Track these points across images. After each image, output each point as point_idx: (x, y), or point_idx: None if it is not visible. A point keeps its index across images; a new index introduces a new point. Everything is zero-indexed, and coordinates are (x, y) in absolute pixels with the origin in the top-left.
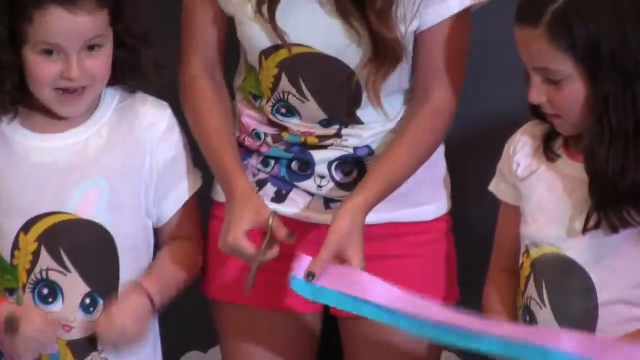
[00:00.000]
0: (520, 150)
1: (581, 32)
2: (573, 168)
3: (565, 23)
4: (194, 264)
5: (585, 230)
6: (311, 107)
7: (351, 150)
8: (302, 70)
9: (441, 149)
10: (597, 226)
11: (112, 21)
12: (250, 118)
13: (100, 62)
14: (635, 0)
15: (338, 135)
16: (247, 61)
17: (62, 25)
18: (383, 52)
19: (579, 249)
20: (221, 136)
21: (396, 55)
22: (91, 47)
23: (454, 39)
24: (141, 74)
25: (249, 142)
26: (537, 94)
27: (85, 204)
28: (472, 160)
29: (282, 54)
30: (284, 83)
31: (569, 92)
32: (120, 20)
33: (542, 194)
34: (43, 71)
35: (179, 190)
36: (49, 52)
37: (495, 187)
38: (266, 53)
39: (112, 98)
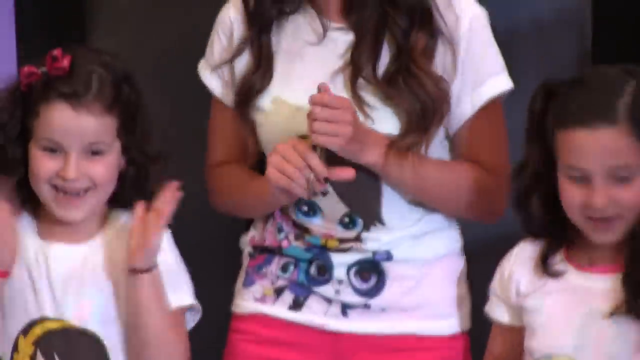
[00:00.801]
0: (519, 270)
1: None
2: (582, 278)
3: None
4: None
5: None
6: (332, 201)
7: (370, 255)
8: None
9: (464, 269)
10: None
11: (120, 132)
12: (277, 215)
13: (101, 169)
14: None
15: (358, 238)
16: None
17: (64, 122)
18: None
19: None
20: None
21: None
22: (94, 152)
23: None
24: (148, 195)
25: (270, 239)
26: (604, 196)
27: (80, 314)
28: None
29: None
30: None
31: (637, 189)
32: (130, 133)
33: (553, 306)
34: (41, 167)
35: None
36: (51, 150)
37: (492, 309)
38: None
39: (117, 218)
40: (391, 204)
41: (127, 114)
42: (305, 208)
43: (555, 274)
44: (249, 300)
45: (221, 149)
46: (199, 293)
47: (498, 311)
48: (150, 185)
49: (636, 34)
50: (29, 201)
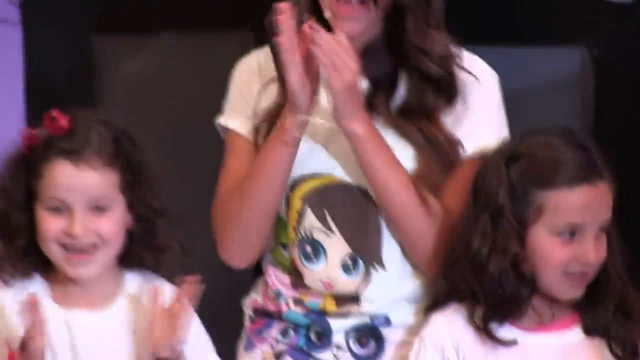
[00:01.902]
0: (462, 342)
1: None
2: (538, 339)
3: (610, 172)
4: None
5: None
6: (336, 241)
7: (368, 320)
8: (328, 202)
9: None
10: None
11: (123, 187)
12: (276, 279)
13: (107, 224)
14: None
15: (356, 299)
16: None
17: (67, 179)
18: None
19: None
20: None
21: None
22: (99, 208)
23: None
24: (157, 251)
25: (270, 305)
26: (601, 252)
27: None
28: None
29: (308, 185)
30: (309, 217)
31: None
32: (133, 189)
33: None
34: (48, 227)
35: None
36: (56, 209)
37: None
38: (293, 186)
39: (130, 283)
40: (391, 247)
41: (129, 168)
42: (309, 249)
43: (506, 343)
44: None
45: (236, 177)
46: None
47: None
48: (159, 241)
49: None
50: (40, 264)
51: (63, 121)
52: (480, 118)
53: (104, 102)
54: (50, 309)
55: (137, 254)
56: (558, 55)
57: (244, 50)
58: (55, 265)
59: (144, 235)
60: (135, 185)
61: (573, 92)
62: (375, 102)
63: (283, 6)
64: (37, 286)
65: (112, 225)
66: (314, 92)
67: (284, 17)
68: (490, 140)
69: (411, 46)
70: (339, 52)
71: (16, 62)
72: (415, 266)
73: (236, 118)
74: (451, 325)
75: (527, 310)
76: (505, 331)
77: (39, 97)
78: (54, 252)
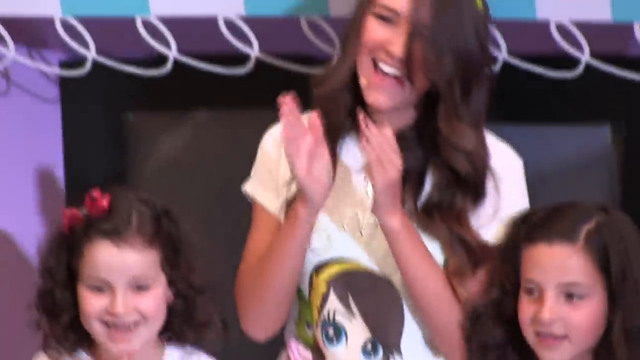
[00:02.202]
0: None
1: (615, 254)
2: None
3: (601, 242)
4: None
5: None
6: (358, 325)
7: None
8: (352, 286)
9: None
10: None
11: (164, 265)
12: (299, 354)
13: (149, 302)
14: None
15: None
16: (299, 291)
17: (109, 259)
18: None
19: None
20: None
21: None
22: (140, 287)
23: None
24: (198, 326)
25: None
26: (552, 312)
27: None
28: None
29: (333, 269)
30: (333, 300)
31: (588, 312)
32: (174, 266)
33: None
34: (91, 305)
35: None
36: (98, 288)
37: None
38: (318, 269)
39: (172, 356)
40: (411, 337)
41: (169, 247)
42: (331, 331)
43: None
44: None
45: (256, 252)
46: None
47: None
48: (199, 316)
49: None
50: (84, 340)
51: (103, 201)
52: (512, 204)
53: (140, 179)
54: None
55: (178, 328)
56: (586, 134)
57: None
58: (97, 342)
59: (184, 310)
60: (175, 263)
61: (601, 171)
62: (402, 196)
63: (286, 99)
64: None
65: (153, 302)
66: (326, 181)
67: (287, 110)
68: None
69: (441, 139)
70: (385, 148)
71: (55, 140)
72: (437, 354)
73: (263, 191)
74: None
75: None
76: None
77: (77, 174)
78: (96, 329)
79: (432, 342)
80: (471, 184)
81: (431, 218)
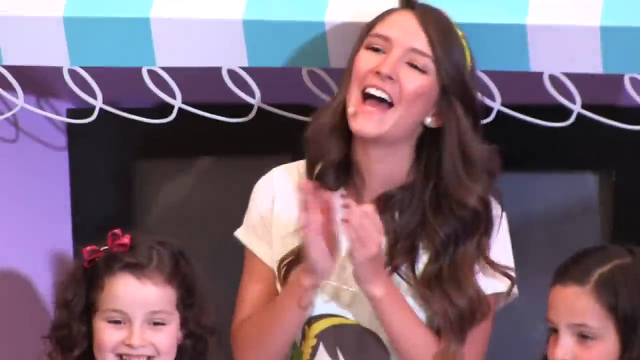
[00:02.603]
0: None
1: (625, 297)
2: None
3: (612, 285)
4: None
5: None
6: None
7: None
8: (341, 340)
9: None
10: None
11: (179, 304)
12: None
13: (164, 338)
14: None
15: None
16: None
17: (129, 292)
18: None
19: None
20: None
21: None
22: (156, 323)
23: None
24: None
25: None
26: (565, 351)
27: None
28: None
29: (323, 323)
30: (322, 353)
31: (599, 353)
32: (187, 306)
33: None
34: (107, 338)
35: None
36: (116, 321)
37: None
38: (310, 322)
39: None
40: None
41: (185, 286)
42: None
43: None
44: None
45: (251, 304)
46: None
47: None
48: (207, 358)
49: None
50: None
51: (125, 239)
52: (499, 258)
53: (146, 223)
54: None
55: None
56: (578, 181)
57: None
58: None
59: (193, 351)
60: (189, 303)
61: (590, 218)
62: (397, 264)
63: (307, 185)
64: None
65: (168, 339)
66: (334, 258)
67: (309, 196)
68: (505, 285)
69: (444, 190)
70: (365, 226)
71: (63, 186)
72: None
73: (255, 239)
74: None
75: None
76: None
77: (85, 219)
78: None
79: None
80: (476, 230)
81: (430, 289)
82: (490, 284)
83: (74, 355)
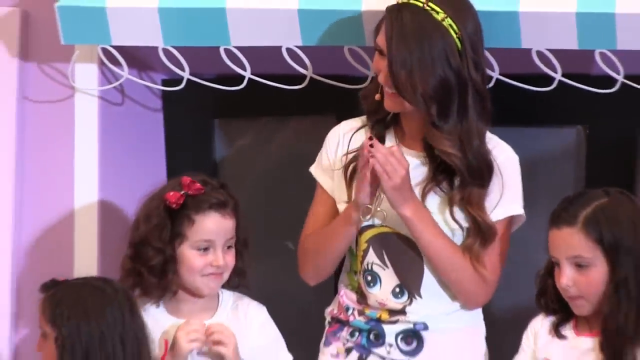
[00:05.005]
0: (540, 330)
1: (607, 231)
2: (580, 342)
3: (596, 223)
4: None
5: None
6: (389, 274)
7: (412, 325)
8: (386, 245)
9: (484, 333)
10: None
11: (237, 230)
12: (346, 298)
13: (231, 257)
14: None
15: (403, 311)
16: (349, 248)
17: (216, 225)
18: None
19: None
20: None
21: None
22: (229, 247)
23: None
24: (240, 273)
25: (342, 315)
26: (567, 279)
27: None
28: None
29: (373, 232)
30: (371, 254)
31: (594, 276)
32: (238, 229)
33: (557, 356)
34: (198, 262)
35: None
36: (205, 249)
37: (520, 357)
38: (361, 231)
39: (227, 300)
40: (428, 283)
41: (238, 216)
42: (369, 277)
43: (562, 337)
44: (327, 356)
45: (315, 222)
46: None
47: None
48: (242, 266)
49: (624, 163)
50: (167, 290)
51: (198, 185)
52: (512, 190)
53: (224, 169)
54: (162, 316)
55: (231, 278)
56: (559, 134)
57: (327, 132)
58: (168, 290)
59: (237, 266)
60: (239, 227)
61: (570, 164)
62: (439, 183)
63: (367, 142)
64: (160, 308)
65: (232, 257)
66: (376, 194)
67: (368, 149)
68: (517, 209)
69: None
70: (390, 161)
71: (160, 140)
72: (452, 296)
73: (321, 174)
74: (542, 322)
75: (580, 319)
76: (565, 332)
77: (176, 165)
78: (197, 281)
79: (446, 289)
80: (470, 175)
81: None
82: (502, 210)
83: (168, 280)
